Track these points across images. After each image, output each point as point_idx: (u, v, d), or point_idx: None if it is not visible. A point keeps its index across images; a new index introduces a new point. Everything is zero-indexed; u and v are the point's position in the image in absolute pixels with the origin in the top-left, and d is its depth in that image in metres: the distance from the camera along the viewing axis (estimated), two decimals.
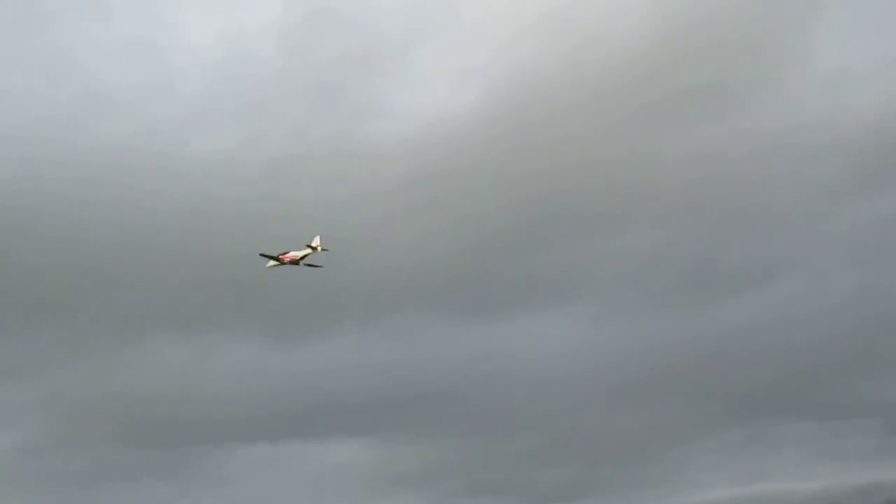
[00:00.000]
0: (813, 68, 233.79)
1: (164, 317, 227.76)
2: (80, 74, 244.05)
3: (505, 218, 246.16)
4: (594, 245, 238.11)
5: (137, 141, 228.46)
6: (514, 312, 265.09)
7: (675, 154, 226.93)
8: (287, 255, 45.32)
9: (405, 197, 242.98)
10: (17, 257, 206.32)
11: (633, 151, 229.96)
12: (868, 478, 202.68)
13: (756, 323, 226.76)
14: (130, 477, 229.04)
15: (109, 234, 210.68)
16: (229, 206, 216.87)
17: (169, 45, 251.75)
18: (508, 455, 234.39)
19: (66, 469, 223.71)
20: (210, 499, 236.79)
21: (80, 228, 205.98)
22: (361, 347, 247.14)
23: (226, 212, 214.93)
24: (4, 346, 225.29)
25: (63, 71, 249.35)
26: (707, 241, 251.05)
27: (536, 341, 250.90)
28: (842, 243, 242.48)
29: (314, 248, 43.98)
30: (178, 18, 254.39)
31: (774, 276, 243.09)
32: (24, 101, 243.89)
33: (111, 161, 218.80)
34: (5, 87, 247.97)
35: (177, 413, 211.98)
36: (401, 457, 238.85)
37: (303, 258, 45.45)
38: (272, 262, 46.46)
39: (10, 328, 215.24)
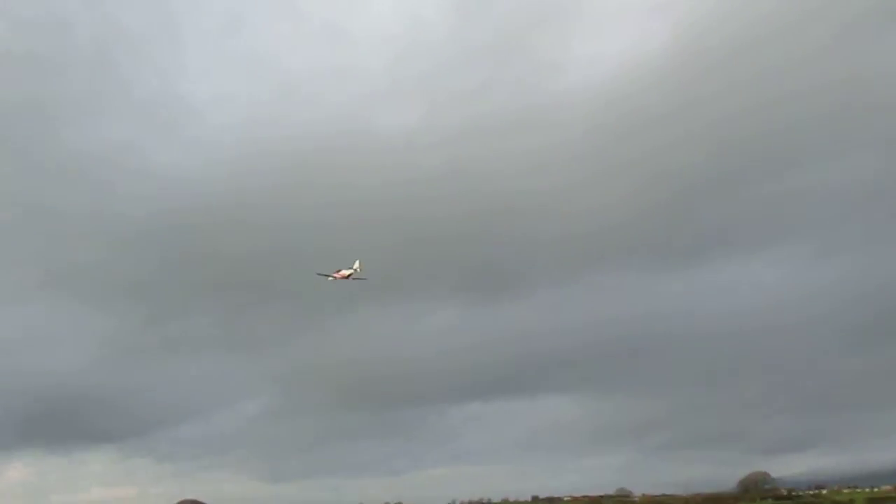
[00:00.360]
0: None
1: (376, 287, 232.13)
2: (276, 70, 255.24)
3: (707, 162, 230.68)
4: (810, 178, 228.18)
5: (330, 124, 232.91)
6: (722, 259, 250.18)
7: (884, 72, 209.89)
8: (339, 273, 52.49)
9: (597, 150, 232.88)
10: (245, 246, 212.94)
11: (848, 74, 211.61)
12: None
13: None
14: (357, 436, 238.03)
15: (320, 214, 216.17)
16: (421, 172, 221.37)
17: (351, 28, 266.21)
18: (721, 407, 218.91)
19: (302, 430, 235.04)
20: (430, 455, 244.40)
21: (294, 213, 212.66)
22: (562, 304, 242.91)
23: (419, 178, 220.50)
24: (243, 324, 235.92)
25: (260, 69, 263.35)
26: None
27: (747, 287, 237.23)
28: None
29: (355, 270, 52.03)
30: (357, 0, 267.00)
31: None
32: (230, 105, 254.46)
33: (310, 147, 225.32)
34: (211, 94, 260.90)
35: (394, 377, 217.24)
36: (609, 411, 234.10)
37: (349, 275, 52.74)
38: (330, 278, 53.22)
39: (247, 308, 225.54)
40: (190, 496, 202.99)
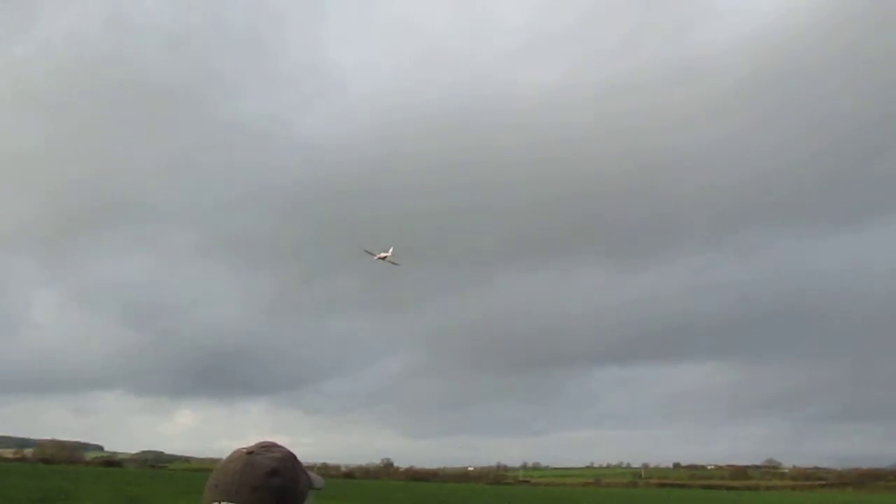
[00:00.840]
0: None
1: (517, 247, 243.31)
2: (416, 34, 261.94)
3: (865, 114, 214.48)
4: None
5: (472, 86, 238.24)
6: (882, 218, 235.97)
7: None
8: (378, 255, 55.30)
9: (748, 104, 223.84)
10: (381, 208, 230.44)
11: None
12: None
13: None
14: (495, 397, 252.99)
15: (466, 176, 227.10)
16: (567, 131, 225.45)
17: None
18: (882, 377, 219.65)
19: (443, 389, 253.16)
20: (569, 418, 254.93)
21: (428, 175, 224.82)
22: (709, 267, 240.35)
23: (564, 138, 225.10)
24: (391, 284, 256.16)
25: (400, 33, 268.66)
26: None
27: None
28: None
29: (387, 255, 54.67)
30: None
31: None
32: (372, 73, 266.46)
33: (453, 109, 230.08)
34: (357, 64, 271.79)
35: (531, 339, 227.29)
36: (760, 379, 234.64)
37: (385, 258, 55.22)
38: (375, 258, 55.82)
39: (385, 269, 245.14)
40: (336, 447, 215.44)
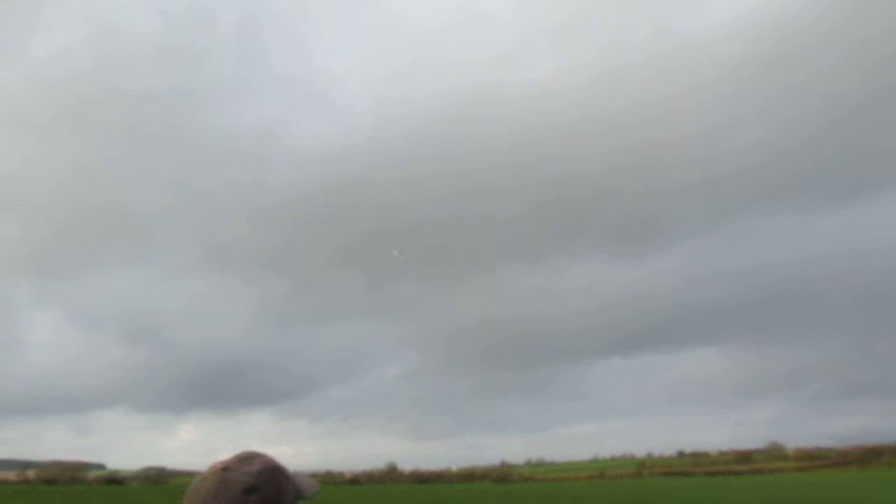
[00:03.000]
0: None
1: (512, 247, 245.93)
2: (406, 36, 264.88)
3: (868, 87, 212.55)
4: None
5: (461, 92, 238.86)
6: (882, 194, 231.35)
7: None
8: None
9: (746, 91, 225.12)
10: (380, 216, 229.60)
11: None
12: None
13: None
14: (497, 396, 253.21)
15: (452, 182, 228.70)
16: (559, 130, 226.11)
17: None
18: (881, 355, 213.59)
19: (444, 391, 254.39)
20: (572, 412, 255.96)
21: (426, 184, 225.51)
22: (707, 254, 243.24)
23: (557, 136, 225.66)
24: (385, 290, 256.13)
25: (391, 34, 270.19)
26: None
27: None
28: None
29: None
30: None
31: None
32: (364, 80, 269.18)
33: (447, 115, 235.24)
34: (348, 70, 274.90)
35: (532, 334, 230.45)
36: (757, 363, 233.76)
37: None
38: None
39: (381, 275, 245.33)
40: (341, 454, 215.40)
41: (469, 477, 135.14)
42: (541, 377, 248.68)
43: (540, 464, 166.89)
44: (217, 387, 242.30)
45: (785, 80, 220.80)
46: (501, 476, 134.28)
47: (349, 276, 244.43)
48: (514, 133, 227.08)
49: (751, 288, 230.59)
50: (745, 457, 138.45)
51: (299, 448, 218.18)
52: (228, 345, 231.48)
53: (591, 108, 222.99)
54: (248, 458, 1.85)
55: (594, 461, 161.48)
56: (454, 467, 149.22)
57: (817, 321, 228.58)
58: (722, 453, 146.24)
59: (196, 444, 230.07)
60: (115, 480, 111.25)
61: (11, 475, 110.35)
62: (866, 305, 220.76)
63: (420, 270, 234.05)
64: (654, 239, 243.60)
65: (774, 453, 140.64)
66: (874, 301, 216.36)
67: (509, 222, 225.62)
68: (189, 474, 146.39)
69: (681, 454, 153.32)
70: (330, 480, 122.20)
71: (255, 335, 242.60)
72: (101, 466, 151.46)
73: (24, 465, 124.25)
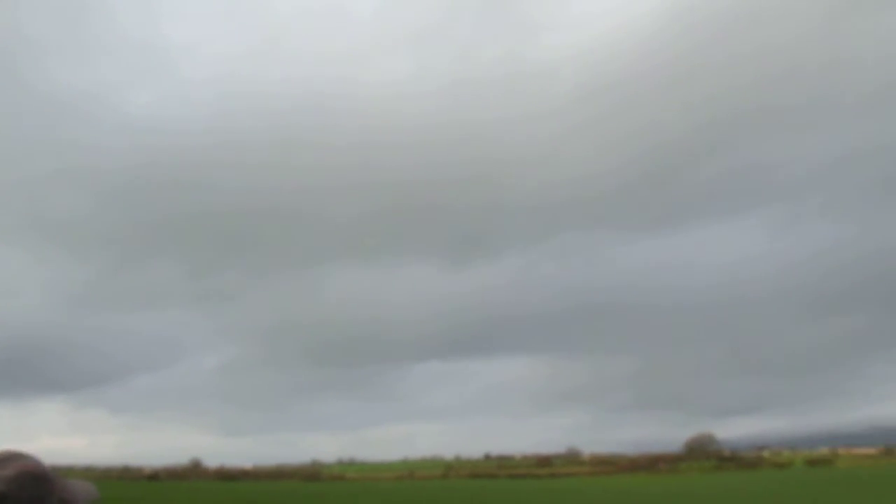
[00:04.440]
0: None
1: (344, 247, 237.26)
2: (263, 19, 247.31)
3: (682, 123, 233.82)
4: (781, 144, 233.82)
5: (312, 83, 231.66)
6: (689, 223, 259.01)
7: (886, 24, 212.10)
8: None
9: (579, 111, 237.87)
10: (214, 201, 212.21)
11: (826, 32, 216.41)
12: None
13: None
14: (315, 394, 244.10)
15: (291, 174, 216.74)
16: (404, 136, 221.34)
17: None
18: (677, 369, 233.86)
19: (261, 386, 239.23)
20: (387, 413, 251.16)
21: (264, 172, 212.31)
22: (531, 266, 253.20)
23: (400, 142, 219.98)
24: (207, 279, 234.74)
25: (248, 16, 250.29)
26: None
27: (712, 252, 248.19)
28: None
29: None
30: None
31: None
32: (209, 55, 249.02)
33: (293, 103, 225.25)
34: (193, 43, 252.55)
35: (356, 334, 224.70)
36: (568, 372, 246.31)
37: None
38: None
39: (206, 262, 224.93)
40: (141, 447, 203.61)
41: (277, 474, 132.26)
42: (361, 377, 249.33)
43: (351, 463, 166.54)
44: (4, 370, 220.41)
45: (610, 107, 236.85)
46: (311, 474, 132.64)
47: (168, 258, 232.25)
48: (359, 132, 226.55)
49: (569, 302, 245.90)
50: (545, 461, 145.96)
51: (94, 440, 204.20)
52: (24, 325, 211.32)
53: (439, 118, 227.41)
54: (5, 460, 1.58)
55: (404, 462, 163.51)
56: (264, 464, 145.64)
57: (625, 338, 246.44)
58: (525, 457, 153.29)
59: None
60: None
61: None
62: (670, 326, 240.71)
63: (246, 261, 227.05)
64: (481, 251, 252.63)
65: (572, 458, 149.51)
66: (677, 323, 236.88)
67: (344, 222, 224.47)
68: None
69: (487, 457, 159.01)
70: (126, 476, 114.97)
71: (58, 315, 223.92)
72: None
73: None
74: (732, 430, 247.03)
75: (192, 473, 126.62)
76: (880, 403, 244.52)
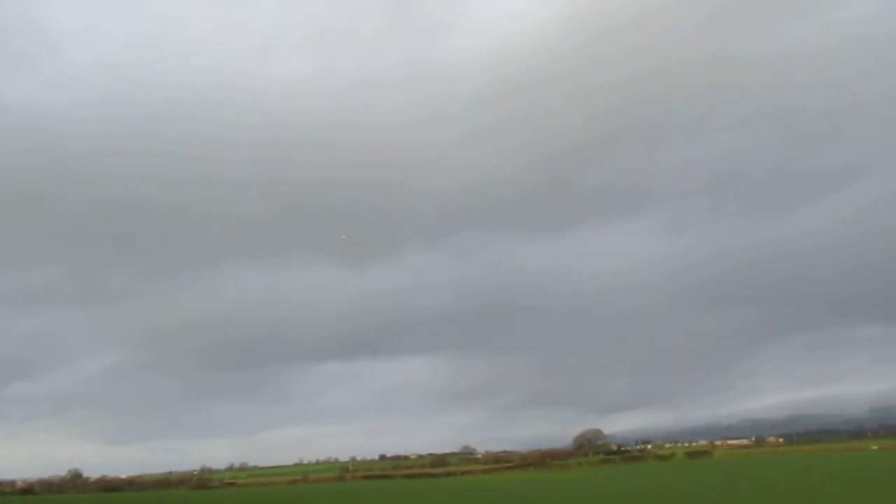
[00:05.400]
0: None
1: (241, 245, 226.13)
2: (160, 6, 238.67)
3: (580, 132, 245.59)
4: (669, 154, 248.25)
5: (213, 74, 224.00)
6: (583, 227, 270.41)
7: (761, 54, 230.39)
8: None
9: (479, 116, 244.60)
10: (103, 193, 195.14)
11: (716, 53, 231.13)
12: None
13: (831, 223, 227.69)
14: (207, 398, 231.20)
15: (188, 167, 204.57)
16: (305, 133, 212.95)
17: None
18: (570, 367, 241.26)
19: (151, 390, 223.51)
20: (285, 415, 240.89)
21: (159, 163, 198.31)
22: (430, 267, 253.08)
23: (301, 140, 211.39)
24: (92, 276, 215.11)
25: (141, 3, 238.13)
26: (786, 145, 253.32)
27: (604, 255, 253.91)
28: None
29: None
30: None
31: (856, 175, 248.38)
32: (101, 39, 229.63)
33: (185, 96, 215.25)
34: (83, 26, 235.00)
35: (253, 336, 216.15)
36: (466, 372, 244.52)
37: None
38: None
39: (97, 259, 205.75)
40: (14, 460, 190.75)
41: (164, 483, 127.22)
42: (257, 380, 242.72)
43: (243, 468, 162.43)
44: None
45: (509, 113, 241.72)
46: (200, 482, 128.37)
47: (49, 253, 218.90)
48: (262, 128, 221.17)
49: (468, 302, 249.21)
50: (440, 460, 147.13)
51: None
52: None
53: (343, 118, 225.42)
54: None
55: (299, 465, 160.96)
56: (149, 473, 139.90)
57: (518, 336, 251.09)
58: (420, 457, 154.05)
59: None
60: None
61: None
62: (559, 323, 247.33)
63: (137, 257, 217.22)
64: (382, 251, 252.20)
65: (466, 457, 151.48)
66: (566, 320, 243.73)
67: (243, 219, 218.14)
68: None
69: (383, 458, 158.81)
70: None
71: None
72: None
73: None
74: (619, 426, 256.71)
75: (71, 485, 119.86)
76: (752, 397, 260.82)
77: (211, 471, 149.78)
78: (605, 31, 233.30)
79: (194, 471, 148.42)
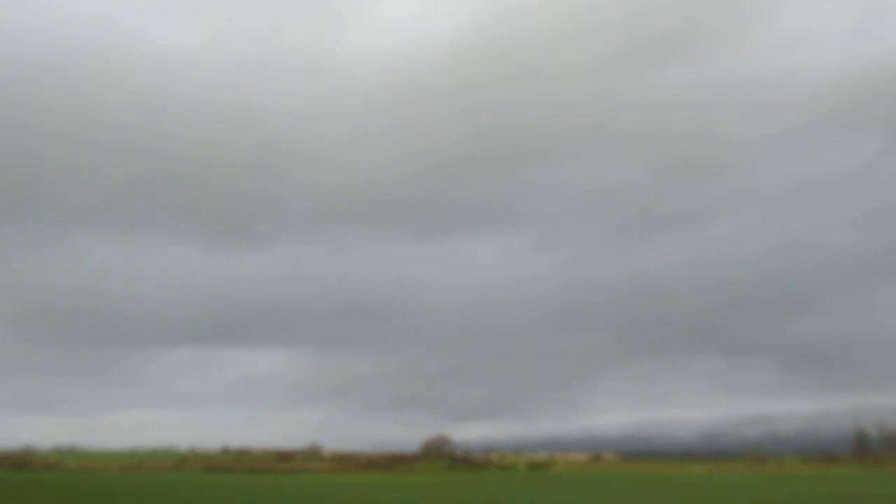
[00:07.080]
0: (779, 25, 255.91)
1: (101, 212, 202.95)
2: None
3: (464, 146, 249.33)
4: (544, 177, 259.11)
5: (96, 27, 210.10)
6: (456, 237, 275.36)
7: (642, 98, 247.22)
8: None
9: (370, 117, 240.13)
10: None
11: (602, 92, 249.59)
12: (756, 409, 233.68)
13: (683, 263, 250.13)
14: (53, 374, 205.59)
15: (54, 118, 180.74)
16: (188, 105, 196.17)
17: None
18: (429, 373, 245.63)
19: None
20: (129, 397, 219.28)
21: (22, 111, 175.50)
22: (301, 259, 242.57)
23: (183, 111, 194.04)
24: None
25: None
26: (651, 185, 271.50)
27: (474, 265, 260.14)
28: (771, 197, 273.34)
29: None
30: None
31: (707, 221, 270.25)
32: None
33: (67, 46, 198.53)
34: None
35: (105, 313, 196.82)
36: (324, 369, 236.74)
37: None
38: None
39: None
40: None
41: None
42: (98, 359, 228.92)
43: (71, 450, 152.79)
44: None
45: (401, 118, 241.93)
46: (20, 461, 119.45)
47: None
48: (136, 91, 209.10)
49: (336, 298, 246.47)
50: (286, 456, 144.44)
51: None
52: None
53: (228, 95, 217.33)
54: None
55: (133, 451, 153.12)
56: None
57: (382, 337, 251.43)
58: (265, 451, 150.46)
59: None
60: None
61: None
62: (426, 330, 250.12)
63: None
64: (253, 238, 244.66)
65: (312, 454, 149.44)
66: (428, 325, 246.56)
67: (103, 184, 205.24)
68: None
69: (225, 450, 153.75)
70: None
71: None
72: None
73: None
74: (468, 433, 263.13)
75: None
76: (594, 414, 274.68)
77: (34, 451, 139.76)
78: (503, 51, 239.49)
79: (15, 449, 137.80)
